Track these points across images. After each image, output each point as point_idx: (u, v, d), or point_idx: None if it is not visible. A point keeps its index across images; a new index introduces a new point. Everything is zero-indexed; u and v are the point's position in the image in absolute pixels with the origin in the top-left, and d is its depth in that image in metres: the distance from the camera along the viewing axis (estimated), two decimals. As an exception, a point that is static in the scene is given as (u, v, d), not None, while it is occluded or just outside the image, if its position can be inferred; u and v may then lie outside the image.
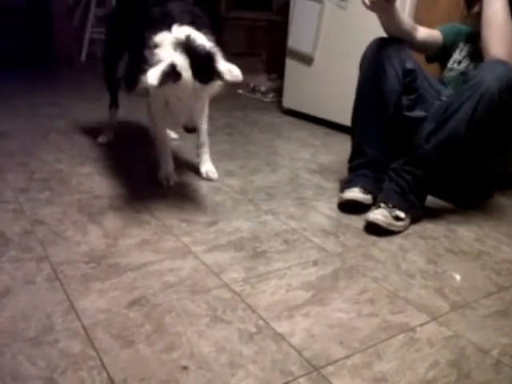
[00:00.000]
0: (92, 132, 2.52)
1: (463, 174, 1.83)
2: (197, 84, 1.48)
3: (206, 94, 1.59)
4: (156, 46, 1.49)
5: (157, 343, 1.08)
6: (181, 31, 1.50)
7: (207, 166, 2.02)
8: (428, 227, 1.71)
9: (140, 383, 0.97)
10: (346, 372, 1.03)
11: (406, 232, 1.66)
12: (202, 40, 1.51)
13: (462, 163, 1.72)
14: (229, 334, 1.12)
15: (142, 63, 1.49)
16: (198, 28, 1.55)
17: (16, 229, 1.52)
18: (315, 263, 1.44)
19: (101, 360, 1.02)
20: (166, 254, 1.44)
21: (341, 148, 2.40)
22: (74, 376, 0.98)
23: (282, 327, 1.15)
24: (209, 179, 1.98)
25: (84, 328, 1.11)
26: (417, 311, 1.24)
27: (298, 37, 2.92)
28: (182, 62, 1.44)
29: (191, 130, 1.58)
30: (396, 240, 1.61)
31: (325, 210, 1.80)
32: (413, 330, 1.18)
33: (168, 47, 1.47)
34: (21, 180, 1.88)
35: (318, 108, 2.91)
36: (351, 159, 1.94)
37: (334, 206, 1.83)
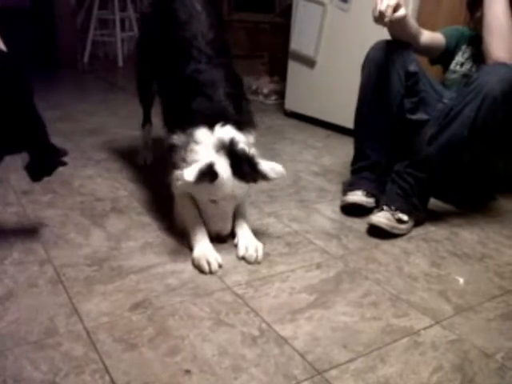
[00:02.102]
0: (95, 134, 2.52)
1: (466, 177, 1.83)
2: (236, 183, 1.40)
3: (244, 193, 1.49)
4: (196, 142, 1.41)
5: (160, 346, 1.08)
6: (224, 132, 1.42)
7: (248, 241, 1.50)
8: (431, 230, 1.71)
9: (143, 387, 0.97)
10: (350, 376, 1.03)
11: (408, 235, 1.66)
12: (244, 143, 1.43)
13: (464, 166, 1.72)
14: (232, 338, 1.12)
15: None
16: (240, 123, 1.49)
17: (19, 231, 1.52)
18: (318, 266, 1.44)
19: (103, 363, 1.02)
20: (168, 256, 1.44)
21: (343, 150, 2.40)
22: (77, 379, 0.98)
23: (285, 330, 1.15)
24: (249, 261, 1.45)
25: (87, 331, 1.11)
26: (420, 314, 1.24)
27: (301, 39, 2.92)
28: (222, 162, 1.38)
29: (224, 239, 1.50)
30: (399, 243, 1.60)
31: (327, 212, 1.80)
32: (416, 333, 1.17)
33: (209, 146, 1.40)
34: (23, 183, 1.87)
35: (321, 110, 2.90)
36: (354, 162, 1.94)
37: (337, 208, 1.82)
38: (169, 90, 1.65)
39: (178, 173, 1.41)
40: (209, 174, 1.34)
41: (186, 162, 1.40)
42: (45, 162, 1.42)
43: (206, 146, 1.40)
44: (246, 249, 1.45)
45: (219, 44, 1.63)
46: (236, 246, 1.49)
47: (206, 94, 1.48)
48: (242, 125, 1.49)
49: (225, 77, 1.53)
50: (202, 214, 1.50)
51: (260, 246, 1.47)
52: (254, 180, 1.45)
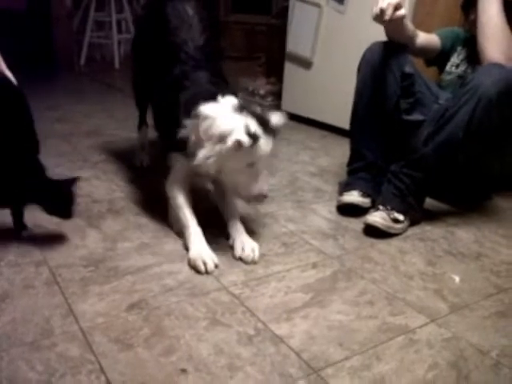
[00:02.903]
0: (91, 136, 2.52)
1: (462, 177, 1.83)
2: (268, 140, 1.39)
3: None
4: (209, 116, 1.37)
5: (155, 346, 1.08)
6: (230, 99, 1.42)
7: (244, 241, 1.49)
8: (427, 229, 1.71)
9: (139, 386, 0.97)
10: (345, 374, 1.03)
11: (404, 234, 1.66)
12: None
13: (460, 166, 1.72)
14: (228, 337, 1.12)
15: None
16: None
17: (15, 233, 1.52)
18: (314, 266, 1.44)
19: (99, 364, 1.02)
20: (165, 257, 1.44)
21: (340, 151, 2.40)
22: (73, 380, 0.97)
23: (281, 329, 1.15)
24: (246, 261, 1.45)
25: (82, 331, 1.11)
26: (416, 313, 1.24)
27: (297, 41, 2.93)
28: (252, 122, 1.35)
29: (263, 200, 1.46)
30: (395, 242, 1.61)
31: (324, 212, 1.81)
32: (412, 331, 1.18)
33: (228, 113, 1.37)
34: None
35: (317, 111, 2.91)
36: (350, 162, 1.94)
37: (333, 208, 1.83)
38: (157, 92, 1.65)
39: (202, 152, 1.35)
40: (251, 135, 1.32)
41: (209, 139, 1.35)
42: (59, 201, 1.40)
43: (225, 115, 1.36)
44: (243, 249, 1.45)
45: (210, 49, 1.63)
46: (231, 246, 1.49)
47: (192, 88, 1.48)
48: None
49: (211, 78, 1.53)
50: (233, 185, 1.45)
51: (256, 246, 1.47)
52: (274, 134, 1.43)
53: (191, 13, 1.66)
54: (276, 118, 1.44)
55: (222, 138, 1.33)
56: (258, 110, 1.43)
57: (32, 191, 1.34)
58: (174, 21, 1.64)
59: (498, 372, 1.06)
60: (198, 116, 1.38)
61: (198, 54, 1.57)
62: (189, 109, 1.41)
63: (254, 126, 1.35)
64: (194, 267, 1.38)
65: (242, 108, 1.38)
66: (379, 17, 1.62)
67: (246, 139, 1.30)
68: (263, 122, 1.39)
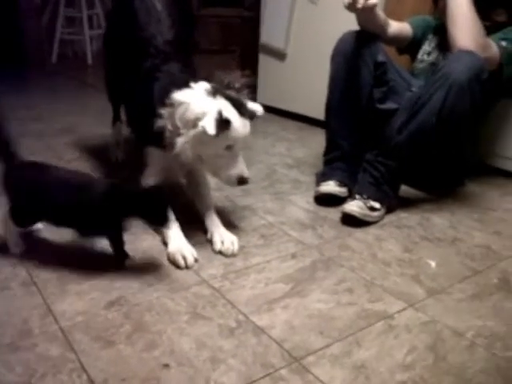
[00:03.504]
0: (65, 134, 2.48)
1: (435, 163, 1.86)
2: (245, 122, 1.39)
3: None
4: (184, 102, 1.37)
5: (137, 342, 1.08)
6: (203, 84, 1.42)
7: (223, 234, 1.50)
8: (403, 216, 1.74)
9: (121, 383, 0.97)
10: (327, 361, 1.05)
11: (381, 222, 1.69)
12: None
13: (433, 152, 1.75)
14: (209, 330, 1.13)
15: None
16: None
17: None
18: (293, 256, 1.45)
19: (80, 362, 1.01)
20: (143, 253, 1.43)
21: (316, 142, 2.41)
22: (54, 380, 0.97)
23: (262, 320, 1.16)
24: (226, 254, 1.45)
25: (62, 331, 1.10)
26: (394, 298, 1.27)
27: (271, 32, 2.93)
28: (226, 106, 1.35)
29: (247, 182, 1.44)
30: (372, 230, 1.63)
31: (302, 203, 1.82)
32: (391, 317, 1.20)
33: (202, 98, 1.36)
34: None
35: (293, 103, 2.92)
36: (326, 153, 1.96)
37: (311, 199, 1.84)
38: (129, 87, 1.64)
39: (179, 140, 1.36)
40: (223, 120, 1.31)
41: (185, 126, 1.35)
42: (158, 211, 1.33)
43: (199, 99, 1.36)
44: (222, 242, 1.45)
45: (179, 43, 1.62)
46: (210, 240, 1.49)
47: (164, 78, 1.47)
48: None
49: (182, 68, 1.53)
50: (214, 170, 1.44)
51: (235, 238, 1.47)
52: (251, 117, 1.43)
53: (159, 7, 1.64)
54: (252, 105, 1.45)
55: (197, 123, 1.32)
56: (232, 93, 1.42)
57: (134, 206, 1.30)
58: (142, 15, 1.63)
59: (473, 352, 1.09)
60: (172, 104, 1.38)
61: (168, 48, 1.56)
62: (163, 98, 1.40)
63: (228, 109, 1.35)
64: (173, 262, 1.38)
65: (215, 91, 1.38)
66: (351, 5, 1.63)
67: (211, 127, 1.27)
68: (238, 105, 1.39)
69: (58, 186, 1.31)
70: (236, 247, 1.45)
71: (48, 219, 1.36)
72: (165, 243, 1.45)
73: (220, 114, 1.30)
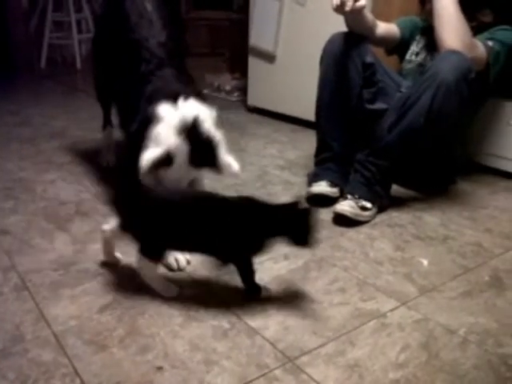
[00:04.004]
0: (56, 138, 2.47)
1: (426, 163, 1.88)
2: (190, 170, 1.37)
3: (199, 177, 1.50)
4: (156, 119, 1.35)
5: (130, 346, 1.07)
6: (187, 108, 1.36)
7: None
8: (394, 215, 1.75)
9: (115, 386, 0.97)
10: (321, 361, 1.05)
11: (373, 221, 1.69)
12: (209, 125, 1.37)
13: (424, 152, 1.76)
14: (203, 332, 1.12)
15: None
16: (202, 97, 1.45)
17: (-20, 240, 1.48)
18: (286, 257, 1.45)
19: (73, 367, 1.01)
20: (135, 256, 1.42)
21: (307, 143, 2.42)
22: (47, 384, 0.96)
23: (255, 321, 1.16)
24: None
25: (55, 336, 1.09)
26: (386, 297, 1.27)
27: (260, 35, 2.93)
28: (181, 151, 1.33)
29: None
30: (364, 230, 1.64)
31: (293, 204, 1.82)
32: (383, 315, 1.20)
33: (171, 129, 1.33)
34: (-17, 190, 1.84)
35: (283, 105, 2.93)
36: (317, 153, 1.96)
37: (303, 199, 1.84)
38: (122, 91, 1.64)
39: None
40: (164, 161, 1.31)
41: (148, 144, 1.35)
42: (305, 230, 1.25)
43: (167, 127, 1.33)
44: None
45: (172, 45, 1.61)
46: None
47: (158, 84, 1.46)
48: (203, 99, 1.44)
49: (176, 75, 1.52)
50: None
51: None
52: (210, 168, 1.39)
53: (150, 9, 1.64)
54: (227, 163, 1.36)
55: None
56: (209, 138, 1.35)
57: (285, 225, 1.21)
58: (134, 17, 1.62)
59: (465, 348, 1.10)
60: (152, 114, 1.37)
61: (161, 52, 1.55)
62: (150, 104, 1.39)
63: (180, 154, 1.32)
64: (166, 265, 1.38)
65: (185, 129, 1.33)
66: (339, 8, 1.64)
67: (145, 163, 1.27)
68: (200, 154, 1.34)
69: (192, 209, 1.20)
70: None
71: (180, 247, 1.27)
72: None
73: (167, 154, 1.30)
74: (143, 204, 1.19)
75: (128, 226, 1.22)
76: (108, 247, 1.33)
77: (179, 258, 1.37)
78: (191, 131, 1.33)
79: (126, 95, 1.60)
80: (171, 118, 1.35)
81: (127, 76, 1.57)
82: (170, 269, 1.36)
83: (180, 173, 1.36)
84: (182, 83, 1.49)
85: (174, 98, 1.37)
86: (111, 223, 1.27)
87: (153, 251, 1.22)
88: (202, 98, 1.47)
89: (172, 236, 1.21)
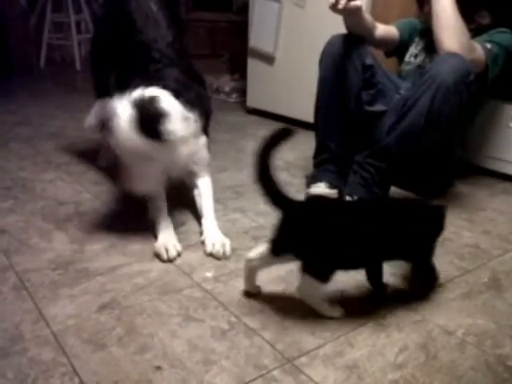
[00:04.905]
0: (54, 138, 2.47)
1: (424, 164, 1.88)
2: (138, 141, 1.33)
3: (162, 157, 1.39)
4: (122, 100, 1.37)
5: (129, 345, 1.07)
6: (153, 91, 1.38)
7: (215, 237, 1.49)
8: (393, 217, 1.75)
9: (114, 386, 0.97)
10: (319, 362, 1.05)
11: (371, 223, 1.69)
12: (168, 103, 1.37)
13: (422, 154, 1.77)
14: (201, 332, 1.12)
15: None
16: (183, 96, 1.43)
17: (-21, 239, 1.48)
18: (285, 258, 1.45)
19: (72, 366, 1.01)
20: (134, 256, 1.43)
21: (306, 145, 2.41)
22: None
23: (254, 322, 1.16)
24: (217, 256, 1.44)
25: (54, 335, 1.09)
26: (385, 299, 1.27)
27: (259, 36, 2.94)
28: (124, 113, 1.33)
29: (139, 196, 1.48)
30: (362, 231, 1.64)
31: (292, 205, 1.82)
32: (382, 317, 1.20)
33: (126, 100, 1.36)
34: (-18, 190, 1.84)
35: (282, 106, 2.93)
36: (316, 155, 1.97)
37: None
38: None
39: None
40: (108, 123, 1.33)
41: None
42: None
43: (124, 100, 1.35)
44: (213, 245, 1.45)
45: (178, 45, 1.61)
46: (203, 242, 1.49)
47: (150, 79, 1.46)
48: (186, 100, 1.42)
49: (179, 74, 1.52)
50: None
51: (227, 241, 1.47)
52: (159, 138, 1.34)
53: (155, 8, 1.64)
54: (172, 126, 1.35)
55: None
56: (157, 109, 1.34)
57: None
58: (139, 18, 1.62)
59: (463, 349, 1.10)
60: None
61: (170, 52, 1.55)
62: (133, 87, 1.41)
63: (125, 118, 1.32)
64: (157, 255, 1.40)
65: (138, 101, 1.34)
66: (334, 6, 1.65)
67: (87, 120, 1.35)
68: (144, 120, 1.33)
69: (362, 220, 1.17)
70: (228, 249, 1.45)
71: (350, 263, 1.20)
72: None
73: (108, 117, 1.34)
74: (315, 218, 1.14)
75: (288, 247, 1.15)
76: (251, 276, 1.26)
77: (169, 248, 1.39)
78: (142, 102, 1.34)
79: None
80: (133, 95, 1.36)
81: (133, 76, 1.56)
82: (162, 260, 1.38)
83: (129, 140, 1.33)
84: (180, 80, 1.49)
85: (155, 85, 1.40)
86: (258, 250, 1.21)
87: (322, 270, 1.14)
88: (197, 102, 1.47)
89: (344, 251, 1.14)
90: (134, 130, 1.33)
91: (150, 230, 1.56)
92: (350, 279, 1.34)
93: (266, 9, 2.86)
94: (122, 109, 1.34)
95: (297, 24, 2.72)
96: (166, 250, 1.40)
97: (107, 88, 1.89)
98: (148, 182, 1.44)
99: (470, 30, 1.73)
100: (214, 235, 1.49)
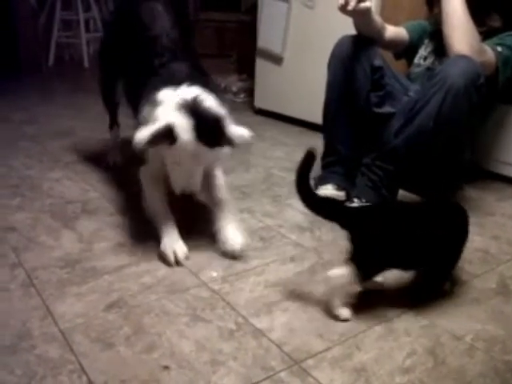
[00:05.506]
0: (62, 137, 2.48)
1: (433, 168, 1.87)
2: (200, 148, 1.31)
3: (211, 160, 1.43)
4: (157, 103, 1.34)
5: (137, 344, 1.07)
6: (189, 91, 1.35)
7: (231, 233, 1.46)
8: (401, 220, 1.74)
9: (121, 385, 0.97)
10: (327, 364, 1.05)
11: (379, 225, 1.69)
12: (212, 102, 1.35)
13: (431, 157, 1.76)
14: (209, 333, 1.12)
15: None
16: (209, 88, 1.41)
17: (-13, 236, 1.49)
18: (292, 259, 1.45)
19: (80, 364, 1.01)
20: (141, 255, 1.43)
21: (314, 146, 2.41)
22: (54, 381, 0.96)
23: (261, 323, 1.16)
24: (232, 253, 1.43)
25: (62, 333, 1.10)
26: (393, 302, 1.27)
27: (267, 37, 2.94)
28: (183, 124, 1.28)
29: (188, 195, 1.42)
30: (370, 234, 1.63)
31: (300, 206, 1.77)
32: (390, 320, 1.20)
33: (170, 106, 1.31)
34: (-11, 187, 1.84)
35: (290, 107, 2.93)
36: (324, 157, 1.96)
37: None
38: (132, 86, 1.65)
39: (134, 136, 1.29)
40: (166, 136, 1.27)
41: (144, 124, 1.32)
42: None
43: (167, 106, 1.31)
44: (232, 243, 1.43)
45: (183, 42, 1.63)
46: (216, 237, 1.46)
47: (165, 75, 1.45)
48: (211, 90, 1.40)
49: (190, 70, 1.51)
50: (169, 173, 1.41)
51: (243, 238, 1.45)
52: (220, 144, 1.35)
53: (161, 9, 1.67)
54: (237, 133, 1.36)
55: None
56: (212, 111, 1.33)
57: None
58: (147, 18, 1.66)
59: (472, 355, 1.09)
60: (153, 101, 1.35)
61: (174, 46, 1.56)
62: (151, 94, 1.38)
63: (184, 128, 1.27)
64: (164, 259, 1.39)
65: (185, 106, 1.30)
66: (343, 7, 1.64)
67: (142, 138, 1.24)
68: (205, 128, 1.30)
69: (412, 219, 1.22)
70: (245, 248, 1.43)
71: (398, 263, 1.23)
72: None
73: (168, 128, 1.26)
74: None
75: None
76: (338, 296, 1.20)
77: (177, 252, 1.38)
78: (192, 107, 1.30)
79: (135, 89, 1.59)
80: (171, 99, 1.32)
81: (139, 72, 1.58)
82: (168, 263, 1.37)
83: (188, 149, 1.29)
84: (193, 75, 1.48)
85: (177, 85, 1.36)
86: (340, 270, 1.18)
87: (371, 267, 1.18)
88: (211, 89, 1.44)
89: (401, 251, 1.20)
90: (196, 139, 1.29)
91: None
92: (357, 282, 1.33)
93: (275, 9, 2.85)
94: (177, 117, 1.28)
95: (306, 25, 2.72)
96: (174, 253, 1.38)
97: (115, 92, 1.93)
98: (195, 182, 1.39)
99: (481, 33, 1.72)
100: (231, 230, 1.46)
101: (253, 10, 3.22)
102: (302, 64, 2.78)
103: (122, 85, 1.85)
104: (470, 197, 2.00)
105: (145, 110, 1.39)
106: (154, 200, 1.50)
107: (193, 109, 1.30)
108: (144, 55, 1.58)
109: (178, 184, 1.39)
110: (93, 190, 1.87)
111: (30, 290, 1.24)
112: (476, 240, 1.63)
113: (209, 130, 1.30)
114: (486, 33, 1.80)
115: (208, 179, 1.54)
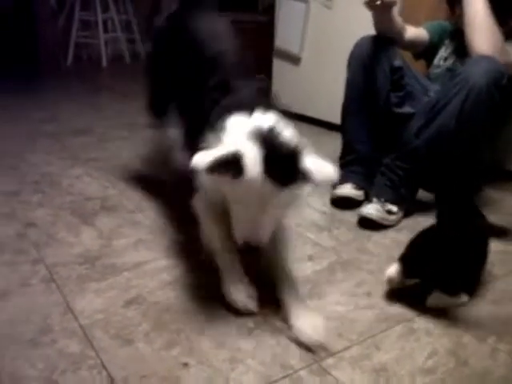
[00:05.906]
0: (81, 135, 2.50)
1: (453, 168, 1.85)
2: (268, 186, 1.06)
3: (283, 203, 1.12)
4: (225, 129, 1.11)
5: (156, 341, 1.08)
6: (263, 119, 1.11)
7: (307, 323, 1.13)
8: (420, 220, 1.72)
9: (141, 381, 0.97)
10: (346, 363, 1.04)
11: (398, 225, 1.68)
12: (290, 133, 1.13)
13: (451, 157, 1.74)
14: (227, 330, 1.12)
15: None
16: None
17: (9, 232, 1.50)
18: (310, 258, 1.44)
19: (100, 359, 1.01)
20: (161, 252, 1.43)
21: (331, 145, 2.39)
22: (74, 376, 0.97)
23: (280, 321, 1.15)
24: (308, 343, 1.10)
25: (82, 328, 1.10)
26: (413, 302, 1.25)
27: (285, 37, 2.94)
28: (254, 155, 1.05)
29: (252, 248, 1.12)
30: (389, 233, 1.62)
31: (318, 206, 1.81)
32: (411, 320, 1.19)
33: (241, 134, 1.08)
34: (11, 183, 1.86)
35: (308, 107, 2.92)
36: (342, 156, 1.95)
37: (327, 201, 1.83)
38: (191, 104, 1.45)
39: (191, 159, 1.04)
40: (232, 166, 1.04)
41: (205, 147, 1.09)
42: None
43: (237, 134, 1.08)
44: (309, 334, 1.11)
45: (246, 61, 1.47)
46: (287, 320, 1.16)
47: (234, 97, 1.24)
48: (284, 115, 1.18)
49: (260, 92, 1.34)
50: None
51: (320, 323, 1.14)
52: (293, 182, 1.10)
53: (222, 27, 1.58)
54: (315, 168, 1.11)
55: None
56: (289, 145, 1.10)
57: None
58: (206, 34, 1.51)
59: (495, 357, 1.08)
60: (222, 126, 1.13)
61: (239, 65, 1.40)
62: (218, 118, 1.16)
63: (253, 159, 1.05)
64: (231, 303, 1.20)
65: (258, 135, 1.07)
66: (371, 1, 1.63)
67: (203, 162, 1.02)
68: (278, 162, 1.07)
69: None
70: (322, 337, 1.10)
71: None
72: (182, 244, 1.46)
73: (235, 156, 1.04)
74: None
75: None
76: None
77: (247, 304, 1.19)
78: (266, 137, 1.08)
79: (196, 108, 1.39)
80: (243, 126, 1.11)
81: (198, 89, 1.37)
82: (237, 309, 1.19)
83: (254, 186, 1.06)
84: (261, 96, 1.31)
85: (250, 110, 1.14)
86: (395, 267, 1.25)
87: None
88: (281, 113, 1.21)
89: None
90: (265, 173, 1.05)
91: (177, 226, 1.56)
92: (377, 281, 1.32)
93: (293, 9, 2.85)
94: (248, 147, 1.06)
95: (324, 25, 2.71)
96: (243, 305, 1.18)
97: (164, 105, 1.73)
98: (263, 232, 1.12)
99: (504, 33, 1.70)
100: (308, 320, 1.15)
101: (270, 10, 3.22)
102: (320, 64, 2.77)
103: (176, 104, 1.65)
104: (491, 197, 1.97)
105: (209, 136, 1.13)
106: (214, 236, 1.27)
107: (267, 140, 1.07)
108: (204, 73, 1.38)
109: (240, 230, 1.13)
110: (112, 187, 1.88)
111: (51, 286, 1.25)
112: (496, 241, 1.60)
113: (282, 164, 1.08)
114: (508, 33, 1.78)
115: (275, 232, 1.21)
